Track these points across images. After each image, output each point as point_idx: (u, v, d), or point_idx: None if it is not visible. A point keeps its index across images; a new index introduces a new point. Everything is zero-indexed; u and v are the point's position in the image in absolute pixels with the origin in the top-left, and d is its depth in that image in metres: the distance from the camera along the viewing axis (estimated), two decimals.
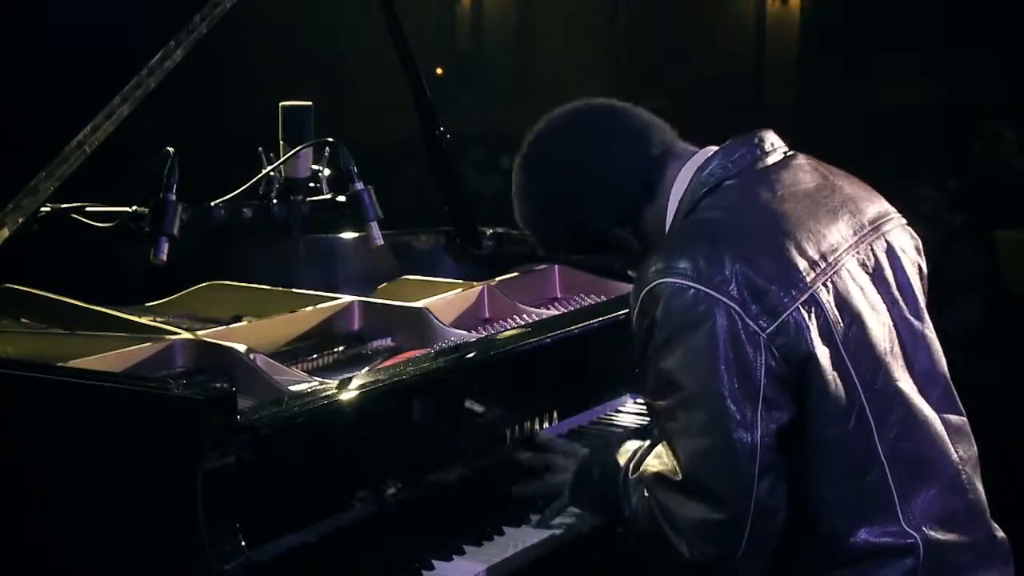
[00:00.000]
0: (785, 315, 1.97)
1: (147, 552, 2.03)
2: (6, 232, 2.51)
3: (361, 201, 2.78)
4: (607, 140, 2.17)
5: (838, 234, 2.08)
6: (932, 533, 2.04)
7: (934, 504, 2.06)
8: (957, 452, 2.11)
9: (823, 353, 1.98)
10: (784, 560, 2.04)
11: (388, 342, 2.78)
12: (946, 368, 2.17)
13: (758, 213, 2.06)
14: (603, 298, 3.12)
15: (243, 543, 1.98)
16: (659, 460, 2.06)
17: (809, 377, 1.98)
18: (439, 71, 5.56)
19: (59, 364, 2.34)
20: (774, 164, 2.14)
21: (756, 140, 2.16)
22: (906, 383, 2.07)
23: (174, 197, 2.55)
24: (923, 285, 2.20)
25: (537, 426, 2.64)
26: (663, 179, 2.14)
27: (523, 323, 2.88)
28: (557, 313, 3.01)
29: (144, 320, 2.77)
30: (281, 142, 2.78)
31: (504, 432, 2.56)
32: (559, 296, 3.23)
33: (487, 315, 3.01)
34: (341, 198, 2.83)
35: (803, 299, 1.99)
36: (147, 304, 3.01)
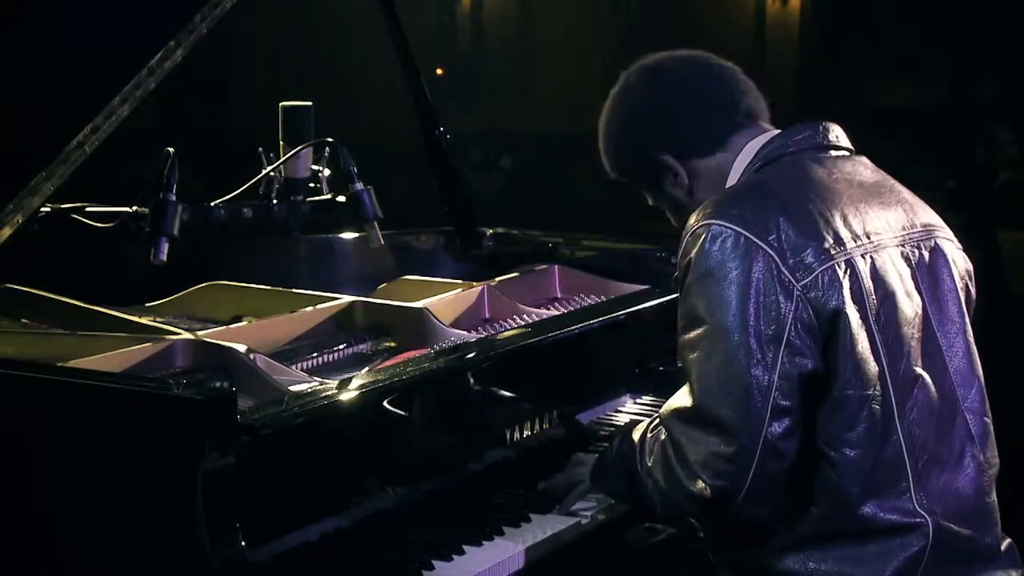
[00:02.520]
0: (820, 270, 2.03)
1: (147, 552, 2.03)
2: (6, 232, 2.51)
3: (361, 201, 2.78)
4: (705, 75, 2.27)
5: (886, 223, 2.14)
6: (943, 520, 2.06)
7: (950, 494, 2.09)
8: (984, 454, 2.15)
9: (852, 313, 2.03)
10: (793, 519, 2.06)
11: (388, 342, 2.78)
12: (981, 374, 2.19)
13: (811, 185, 2.13)
14: (603, 298, 3.12)
15: (243, 543, 1.98)
16: (676, 398, 2.10)
17: (837, 333, 2.03)
18: (439, 71, 5.56)
19: (59, 364, 2.34)
20: (836, 155, 2.21)
21: (821, 128, 2.22)
22: (929, 373, 2.10)
23: (174, 197, 2.55)
24: (970, 308, 2.22)
25: (537, 427, 2.64)
26: (733, 140, 2.22)
27: (523, 323, 2.88)
28: (557, 313, 3.01)
29: (144, 320, 2.78)
30: (281, 142, 2.78)
31: (504, 432, 2.57)
32: (559, 296, 3.23)
33: (487, 315, 3.01)
34: (341, 198, 2.82)
35: (840, 260, 2.04)
36: (147, 304, 3.01)
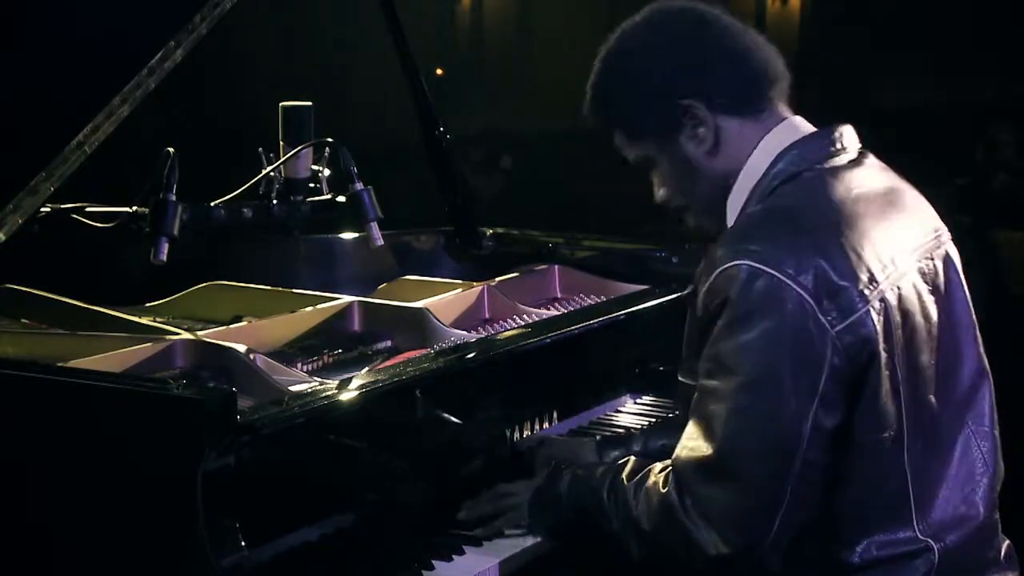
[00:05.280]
0: (856, 315, 1.96)
1: (147, 552, 2.03)
2: (6, 232, 2.51)
3: (361, 201, 2.78)
4: (751, 32, 2.15)
5: (904, 239, 2.08)
6: (945, 543, 2.04)
7: (956, 516, 2.06)
8: (990, 471, 2.12)
9: (884, 358, 1.98)
10: (796, 553, 2.01)
11: (388, 342, 2.78)
12: (991, 385, 2.17)
13: (836, 210, 2.04)
14: (603, 298, 3.12)
15: (243, 543, 1.98)
16: (692, 446, 2.00)
17: (867, 378, 1.97)
18: (439, 71, 5.56)
19: (59, 364, 2.34)
20: (849, 162, 2.12)
21: (835, 135, 2.14)
22: (941, 395, 2.07)
23: (174, 197, 2.55)
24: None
25: (537, 426, 2.64)
26: (765, 115, 2.12)
27: (523, 323, 2.88)
28: (557, 313, 3.01)
29: (144, 320, 2.78)
30: (281, 142, 2.78)
31: (504, 432, 2.56)
32: (559, 296, 3.23)
33: (487, 315, 3.01)
34: (341, 198, 2.82)
35: (874, 301, 1.98)
36: (147, 304, 3.01)
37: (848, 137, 2.16)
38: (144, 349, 2.49)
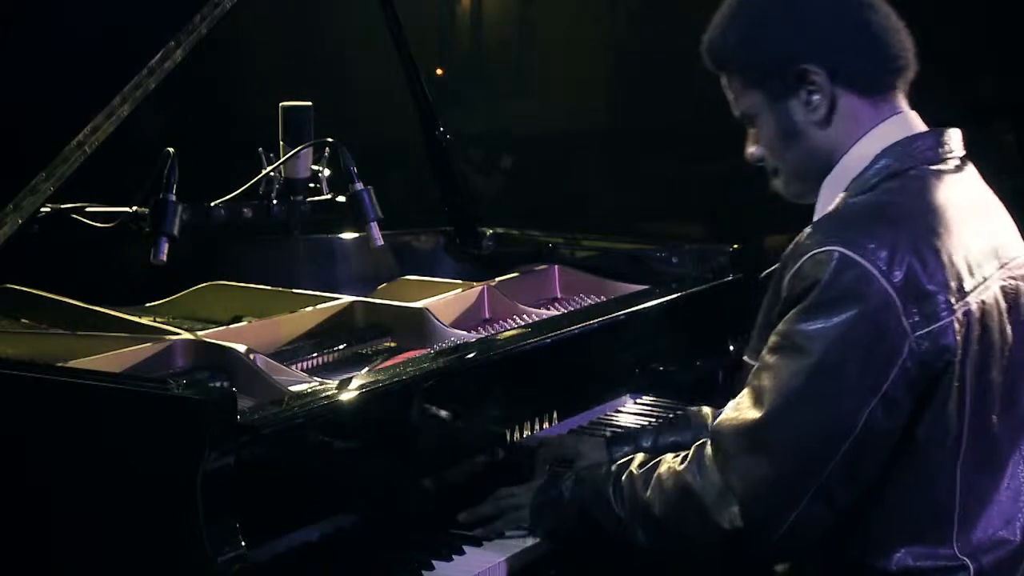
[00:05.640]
0: (939, 324, 1.94)
1: (147, 552, 2.03)
2: (6, 232, 2.51)
3: (361, 201, 2.78)
4: (895, 20, 2.10)
5: (995, 254, 2.07)
6: (981, 563, 2.02)
7: (989, 538, 2.04)
8: None
9: (957, 369, 1.96)
10: (828, 555, 2.01)
11: (388, 342, 2.78)
12: None
13: (936, 213, 2.01)
14: (603, 298, 3.12)
15: (243, 543, 1.98)
16: (737, 412, 1.99)
17: (937, 389, 1.96)
18: (439, 71, 5.56)
19: (59, 364, 2.34)
20: (954, 168, 2.10)
21: (944, 138, 2.11)
22: (1001, 415, 2.04)
23: (174, 197, 2.55)
24: None
25: (537, 427, 2.64)
26: (883, 103, 2.08)
27: (523, 323, 2.88)
28: (557, 313, 3.01)
29: (144, 320, 2.78)
30: (281, 142, 2.78)
31: (504, 432, 2.56)
32: (559, 296, 3.24)
33: (487, 315, 3.01)
34: (341, 198, 2.83)
35: (959, 312, 1.96)
36: (147, 304, 3.01)
37: (955, 141, 2.13)
38: (144, 349, 2.49)
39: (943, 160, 2.09)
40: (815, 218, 2.10)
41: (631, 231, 4.58)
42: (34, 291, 2.90)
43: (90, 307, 2.79)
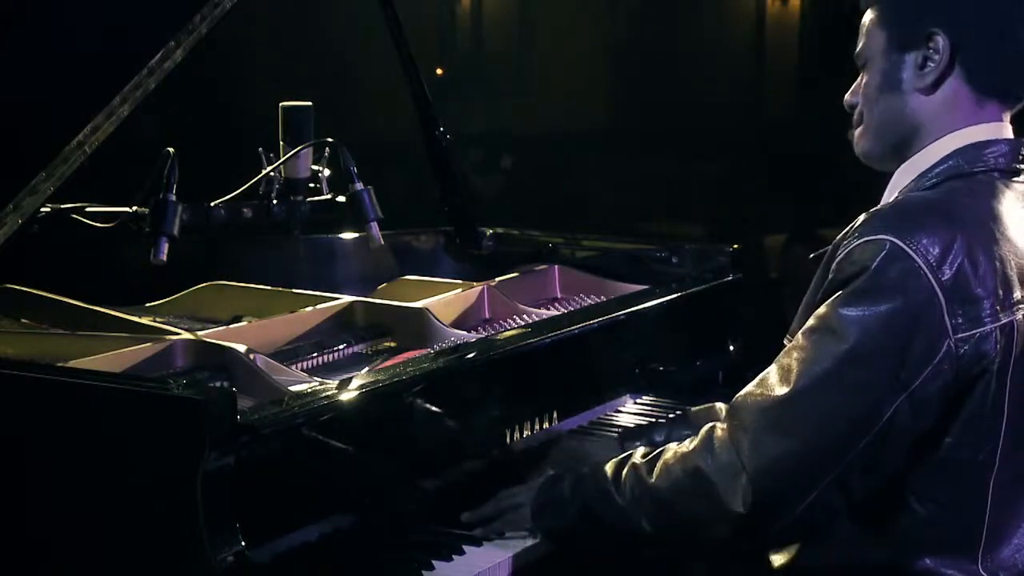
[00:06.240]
0: (981, 329, 1.92)
1: (147, 552, 2.03)
2: (6, 232, 2.51)
3: (361, 201, 2.78)
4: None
5: None
6: None
7: (1015, 558, 2.02)
8: None
9: (994, 381, 1.94)
10: (852, 559, 2.00)
11: (388, 342, 2.78)
12: None
13: (996, 219, 2.00)
14: (603, 298, 3.12)
15: (243, 543, 1.98)
16: (762, 387, 1.97)
17: (971, 397, 1.94)
18: (439, 71, 5.56)
19: (59, 364, 2.34)
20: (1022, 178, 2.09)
21: (1021, 148, 2.09)
22: None
23: (174, 197, 2.55)
24: None
25: (537, 427, 2.64)
26: (990, 102, 2.07)
27: (523, 323, 2.88)
28: (557, 313, 3.01)
29: (144, 320, 2.78)
30: (281, 142, 2.78)
31: (504, 432, 2.56)
32: (559, 296, 3.24)
33: (487, 315, 3.01)
34: (341, 198, 2.83)
35: (1003, 322, 1.94)
36: (147, 304, 3.01)
37: None
38: (144, 349, 2.49)
39: (1015, 170, 2.07)
40: (882, 201, 2.08)
41: (631, 231, 4.58)
42: (34, 291, 2.90)
43: (90, 307, 2.79)
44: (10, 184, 2.51)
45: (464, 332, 2.78)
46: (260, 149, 2.76)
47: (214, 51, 2.73)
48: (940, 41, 2.04)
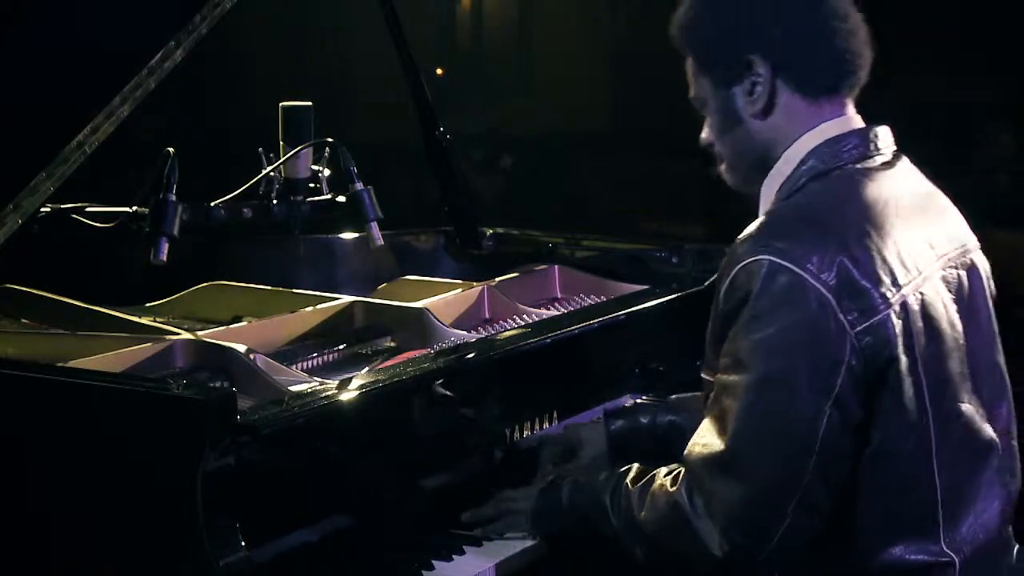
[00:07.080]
0: (877, 317, 1.93)
1: (147, 552, 2.03)
2: (6, 232, 2.51)
3: (361, 201, 2.78)
4: (855, 20, 2.09)
5: (929, 246, 2.06)
6: (966, 555, 2.01)
7: (978, 530, 2.04)
8: (1011, 484, 2.11)
9: (903, 362, 1.96)
10: (812, 560, 2.00)
11: (388, 342, 2.78)
12: (1010, 386, 2.15)
13: (863, 211, 2.02)
14: (603, 298, 3.12)
15: (243, 543, 1.98)
16: (704, 442, 1.99)
17: (885, 385, 1.95)
18: (439, 71, 5.56)
19: (59, 364, 2.34)
20: (882, 164, 2.10)
21: (870, 135, 2.11)
22: (970, 407, 2.05)
23: (174, 197, 2.55)
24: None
25: (537, 426, 2.64)
26: (822, 104, 2.08)
27: (523, 323, 2.88)
28: (557, 313, 3.01)
29: (144, 320, 2.78)
30: (281, 142, 2.78)
31: (504, 432, 2.56)
32: (559, 296, 3.23)
33: (487, 315, 3.01)
34: (341, 198, 2.82)
35: (896, 304, 1.96)
36: (147, 304, 3.02)
37: (884, 138, 2.14)
38: (144, 349, 2.49)
39: (870, 157, 2.09)
40: (758, 218, 2.10)
41: (631, 231, 4.57)
42: (34, 291, 2.90)
43: (90, 307, 2.79)
44: (10, 184, 2.51)
45: (464, 332, 2.78)
46: (260, 149, 2.76)
47: (214, 51, 2.73)
48: (759, 65, 2.07)
